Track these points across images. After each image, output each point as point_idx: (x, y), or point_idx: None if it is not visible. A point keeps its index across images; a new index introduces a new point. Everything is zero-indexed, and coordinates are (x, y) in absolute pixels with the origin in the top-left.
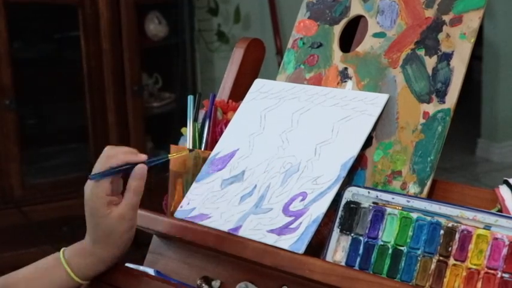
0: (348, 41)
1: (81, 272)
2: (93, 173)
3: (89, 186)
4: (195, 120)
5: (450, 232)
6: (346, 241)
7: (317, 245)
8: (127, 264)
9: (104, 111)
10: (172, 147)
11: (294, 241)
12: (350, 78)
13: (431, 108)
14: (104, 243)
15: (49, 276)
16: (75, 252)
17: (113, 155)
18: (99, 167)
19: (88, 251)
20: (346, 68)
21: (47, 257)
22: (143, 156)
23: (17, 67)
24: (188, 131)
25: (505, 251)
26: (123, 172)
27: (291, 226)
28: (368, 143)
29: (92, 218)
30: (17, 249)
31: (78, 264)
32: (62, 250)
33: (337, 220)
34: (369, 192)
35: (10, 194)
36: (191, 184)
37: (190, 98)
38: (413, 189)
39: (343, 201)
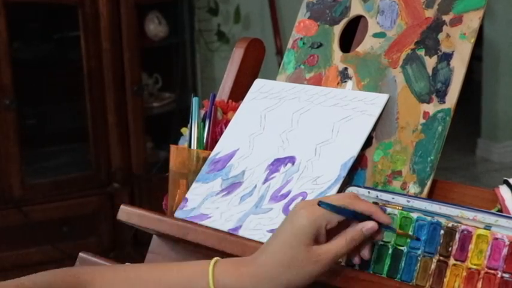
0: (348, 41)
1: None
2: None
3: (311, 210)
4: (203, 121)
5: (450, 232)
6: None
7: None
8: (127, 264)
9: (104, 111)
10: (172, 147)
11: None
12: (350, 78)
13: (432, 108)
14: (274, 270)
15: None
16: (229, 268)
17: (359, 199)
18: (335, 199)
19: (249, 271)
20: (346, 68)
21: (193, 262)
22: (387, 219)
23: (17, 67)
24: (193, 132)
25: (505, 251)
26: (352, 218)
27: None
28: (368, 143)
29: (288, 240)
30: (17, 249)
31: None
32: (213, 261)
33: None
34: (369, 192)
35: (10, 194)
36: (191, 184)
37: (195, 100)
38: (413, 189)
39: None
